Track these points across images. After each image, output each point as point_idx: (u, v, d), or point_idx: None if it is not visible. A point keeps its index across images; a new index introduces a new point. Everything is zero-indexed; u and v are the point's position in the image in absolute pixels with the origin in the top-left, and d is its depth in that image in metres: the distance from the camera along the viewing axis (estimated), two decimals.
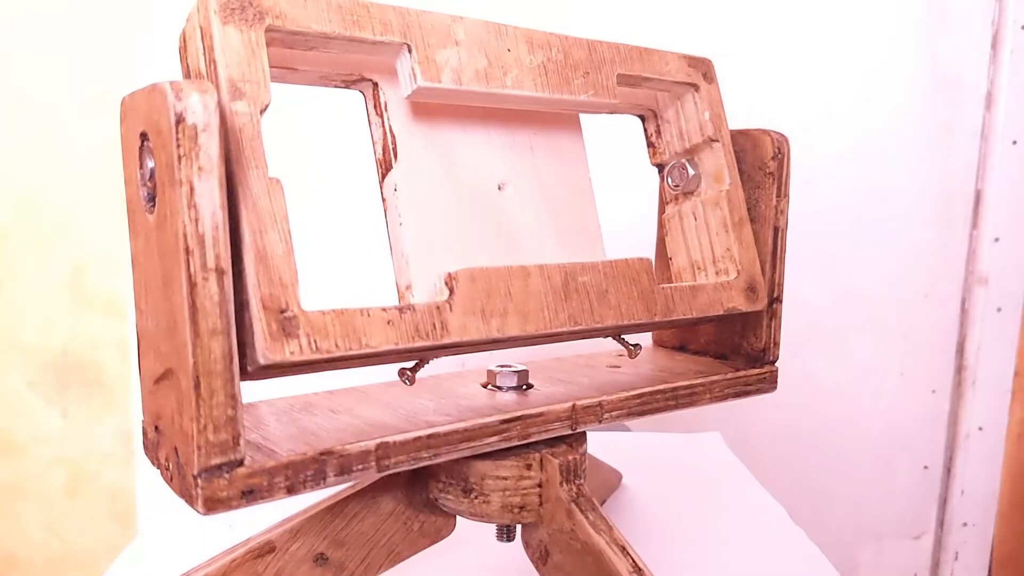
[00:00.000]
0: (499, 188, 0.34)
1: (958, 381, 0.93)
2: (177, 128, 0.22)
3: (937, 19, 0.86)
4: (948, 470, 0.95)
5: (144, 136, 0.24)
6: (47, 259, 0.91)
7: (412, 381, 0.31)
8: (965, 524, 0.94)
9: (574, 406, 0.32)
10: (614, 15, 0.81)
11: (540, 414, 0.32)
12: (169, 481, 0.26)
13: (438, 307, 0.28)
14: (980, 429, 0.92)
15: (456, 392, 0.34)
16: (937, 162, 0.88)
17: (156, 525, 0.46)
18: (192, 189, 0.22)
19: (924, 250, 0.90)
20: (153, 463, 0.28)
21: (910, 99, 0.87)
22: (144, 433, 0.28)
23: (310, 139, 0.84)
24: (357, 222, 0.83)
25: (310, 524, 0.34)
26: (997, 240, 0.87)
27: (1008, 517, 0.95)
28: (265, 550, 0.34)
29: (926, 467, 0.95)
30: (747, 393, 0.39)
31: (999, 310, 0.89)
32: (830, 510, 0.94)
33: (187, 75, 0.28)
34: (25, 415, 0.94)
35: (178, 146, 0.22)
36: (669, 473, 0.55)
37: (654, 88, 0.38)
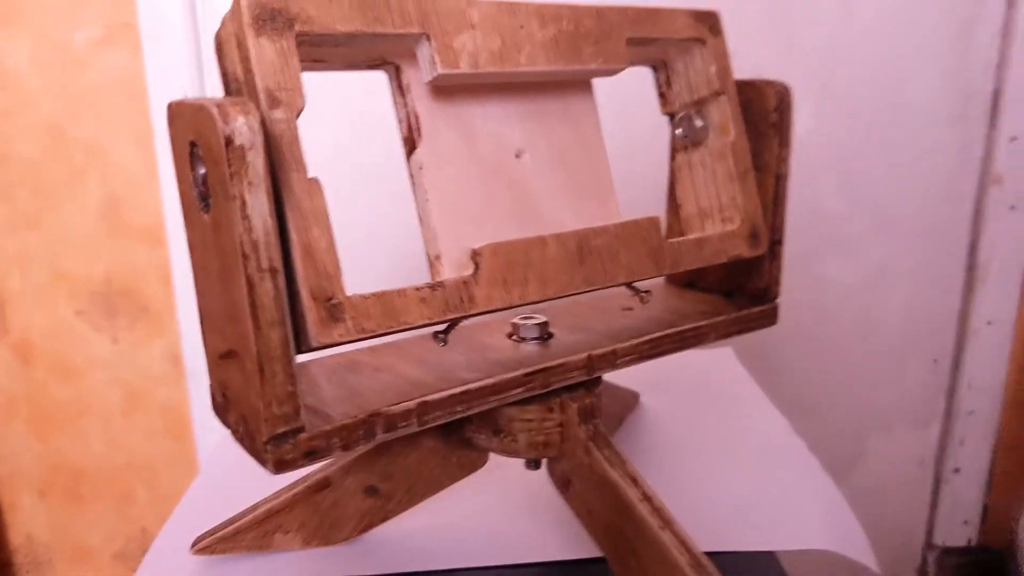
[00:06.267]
0: (517, 156, 0.36)
1: (969, 279, 0.95)
2: (227, 149, 0.25)
3: None
4: (956, 363, 0.99)
5: (194, 144, 0.27)
6: (80, 190, 0.94)
7: (445, 342, 0.34)
8: (971, 413, 0.99)
9: (590, 356, 0.36)
10: None
11: (560, 365, 0.35)
12: (240, 442, 0.31)
13: (465, 282, 0.31)
14: (989, 323, 0.96)
15: (484, 344, 0.38)
16: (956, 61, 0.87)
17: (218, 461, 0.52)
18: (244, 203, 0.25)
19: (941, 150, 0.90)
20: (223, 423, 0.32)
21: None
22: (212, 396, 0.32)
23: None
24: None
25: (361, 462, 0.39)
26: (1014, 139, 0.87)
27: (1019, 406, 0.99)
28: (323, 485, 0.39)
29: (935, 361, 0.99)
30: (750, 329, 0.42)
31: (1012, 208, 0.90)
32: (843, 402, 0.99)
33: (224, 75, 0.30)
34: (78, 341, 1.00)
35: (229, 165, 0.25)
36: (683, 391, 0.59)
37: (662, 46, 0.39)
